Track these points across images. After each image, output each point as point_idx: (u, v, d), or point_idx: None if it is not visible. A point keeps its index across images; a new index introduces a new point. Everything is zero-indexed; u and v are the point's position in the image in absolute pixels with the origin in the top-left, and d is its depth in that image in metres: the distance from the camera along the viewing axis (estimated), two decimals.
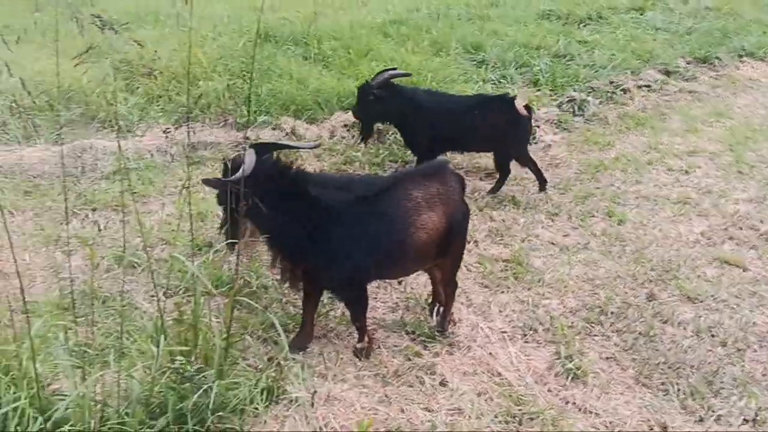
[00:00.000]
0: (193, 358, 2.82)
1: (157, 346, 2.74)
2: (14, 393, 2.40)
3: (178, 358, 2.69)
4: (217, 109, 6.73)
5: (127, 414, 2.54)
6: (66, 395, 2.56)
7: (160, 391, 2.63)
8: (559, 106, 7.89)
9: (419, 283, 4.50)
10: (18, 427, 2.28)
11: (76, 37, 7.96)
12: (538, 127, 7.27)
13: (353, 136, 6.48)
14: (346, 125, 6.61)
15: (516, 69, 8.47)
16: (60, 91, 6.67)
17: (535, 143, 7.05)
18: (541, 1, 12.07)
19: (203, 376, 2.63)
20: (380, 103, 5.61)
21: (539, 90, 8.12)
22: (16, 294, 3.96)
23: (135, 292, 4.06)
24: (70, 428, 2.33)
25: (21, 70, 7.67)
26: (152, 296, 4.03)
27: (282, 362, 3.18)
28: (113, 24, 2.51)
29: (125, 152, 5.91)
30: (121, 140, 6.09)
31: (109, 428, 2.45)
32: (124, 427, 2.47)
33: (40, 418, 2.28)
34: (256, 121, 6.48)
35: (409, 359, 3.73)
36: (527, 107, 5.73)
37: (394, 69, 5.98)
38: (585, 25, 10.65)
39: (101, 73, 7.25)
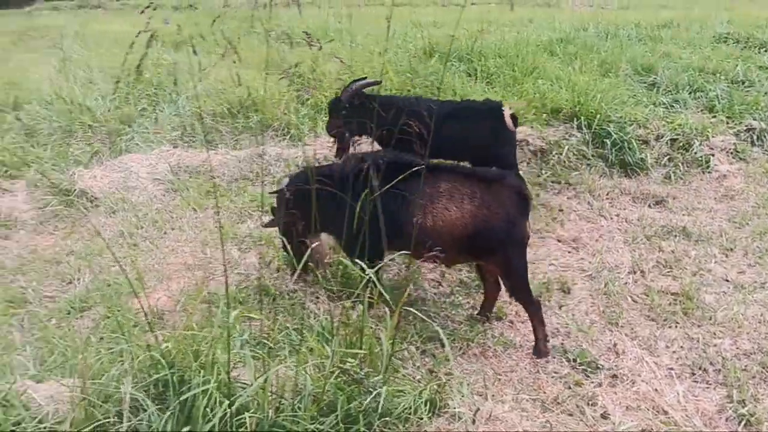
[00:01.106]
0: (358, 361, 2.91)
1: (330, 347, 2.85)
2: (203, 377, 2.59)
3: (349, 360, 2.79)
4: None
5: (298, 408, 2.66)
6: (246, 384, 2.73)
7: (330, 390, 2.73)
8: (736, 134, 7.39)
9: (580, 310, 4.38)
10: (207, 408, 2.46)
11: (254, 49, 8.55)
12: (712, 155, 6.86)
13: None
14: None
15: (690, 93, 8.04)
16: (240, 100, 7.17)
17: (709, 172, 6.65)
18: (717, 24, 11.41)
19: (372, 380, 2.70)
20: (355, 114, 5.12)
21: (714, 117, 7.64)
22: (197, 285, 4.31)
23: (301, 291, 4.24)
24: (250, 415, 2.48)
25: (205, 79, 8.35)
26: (317, 297, 4.21)
27: (443, 376, 3.20)
28: (318, 40, 2.65)
29: (294, 159, 6.22)
30: (292, 148, 6.46)
31: (283, 419, 2.58)
32: (296, 420, 2.59)
33: (226, 402, 2.45)
34: None
35: (570, 387, 3.63)
36: (513, 117, 5.29)
37: (364, 79, 5.37)
38: (766, 50, 9.92)
39: (277, 84, 7.70)
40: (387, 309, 3.66)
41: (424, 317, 3.26)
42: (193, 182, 5.92)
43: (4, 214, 5.24)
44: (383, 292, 2.76)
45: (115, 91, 7.50)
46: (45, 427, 2.47)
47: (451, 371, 3.40)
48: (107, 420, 2.50)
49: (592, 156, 6.63)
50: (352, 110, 5.13)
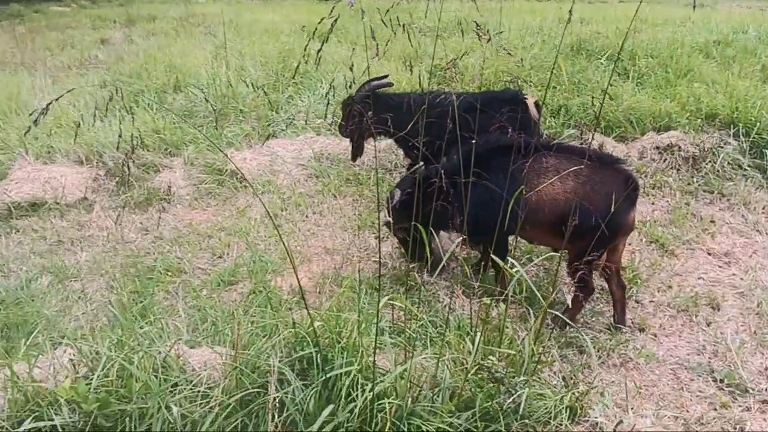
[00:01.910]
0: (498, 360, 2.88)
1: (470, 343, 2.85)
2: (345, 359, 2.66)
3: (490, 358, 2.77)
4: None
5: (436, 400, 2.68)
6: (385, 370, 2.78)
7: (469, 386, 2.73)
8: None
9: (730, 328, 4.11)
10: (351, 390, 2.53)
11: (397, 41, 8.64)
12: None
13: (665, 160, 6.12)
14: (657, 147, 6.26)
15: None
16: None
17: None
18: None
19: (512, 381, 2.67)
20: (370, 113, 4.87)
21: None
22: (335, 270, 4.43)
23: (437, 285, 4.25)
24: (390, 401, 2.52)
25: (344, 69, 8.54)
26: (452, 291, 4.21)
27: (583, 384, 3.11)
28: (487, 31, 2.64)
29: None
30: None
31: (422, 409, 2.60)
32: (433, 412, 2.61)
33: (369, 386, 2.50)
34: (563, 133, 6.42)
35: (715, 409, 3.42)
36: (537, 105, 5.00)
37: (383, 78, 5.16)
38: None
39: (416, 76, 7.75)
40: (528, 309, 3.62)
41: (568, 321, 3.17)
42: (335, 169, 6.08)
43: (164, 189, 5.62)
44: (535, 291, 2.70)
45: (294, 75, 7.85)
46: (198, 391, 2.62)
47: (591, 380, 3.29)
48: (256, 389, 2.62)
49: (749, 166, 6.18)
50: (365, 110, 4.93)
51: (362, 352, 2.67)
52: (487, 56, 8.00)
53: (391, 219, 4.16)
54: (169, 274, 4.39)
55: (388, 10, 2.64)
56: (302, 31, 13.07)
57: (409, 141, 4.88)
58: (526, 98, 4.98)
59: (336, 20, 2.37)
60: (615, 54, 8.30)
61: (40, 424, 2.33)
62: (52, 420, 2.35)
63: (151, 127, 6.45)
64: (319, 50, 2.49)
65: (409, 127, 3.85)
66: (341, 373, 2.60)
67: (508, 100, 4.91)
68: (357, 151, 5.42)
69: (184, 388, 2.60)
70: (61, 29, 14.22)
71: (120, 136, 3.50)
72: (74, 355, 2.86)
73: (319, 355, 2.70)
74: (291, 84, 8.24)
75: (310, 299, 4.06)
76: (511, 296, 3.15)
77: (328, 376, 2.57)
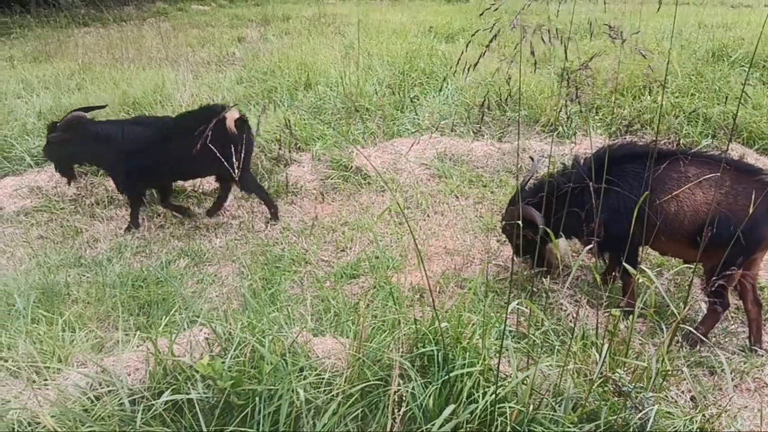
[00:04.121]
0: (625, 373, 2.78)
1: (596, 353, 2.77)
2: (467, 360, 2.66)
3: (617, 370, 2.68)
4: (660, 126, 6.53)
5: (558, 409, 2.62)
6: (506, 374, 2.75)
7: (593, 398, 2.65)
8: None
9: None
10: (473, 390, 2.53)
11: (524, 42, 8.52)
12: None
13: None
14: None
15: None
16: (509, 92, 7.19)
17: None
18: None
19: (640, 396, 2.57)
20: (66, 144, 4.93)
21: None
22: (455, 269, 4.42)
23: (561, 293, 4.16)
24: (511, 405, 2.50)
25: (475, 71, 8.49)
26: (577, 301, 4.11)
27: (714, 407, 2.95)
28: (623, 34, 2.56)
29: (560, 157, 6.09)
30: (558, 145, 6.33)
31: (543, 417, 2.56)
32: (555, 420, 2.56)
33: (492, 388, 2.49)
34: (700, 143, 6.10)
35: None
36: (241, 121, 4.79)
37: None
38: None
39: (547, 79, 7.60)
40: (658, 322, 3.48)
41: (702, 338, 3.02)
42: (457, 170, 6.07)
43: (293, 182, 5.82)
44: (670, 303, 2.59)
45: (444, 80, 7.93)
46: (322, 378, 2.70)
47: (723, 403, 3.11)
48: (376, 382, 2.67)
49: None
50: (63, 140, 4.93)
51: (484, 354, 2.65)
52: (622, 60, 7.73)
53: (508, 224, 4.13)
54: (295, 264, 4.54)
55: (520, 11, 2.60)
56: (429, 32, 13.15)
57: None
58: (225, 114, 4.71)
59: (496, 35, 2.36)
60: (760, 61, 7.81)
61: (177, 396, 2.48)
62: (188, 394, 2.49)
63: (283, 123, 6.70)
64: (475, 64, 2.49)
65: None
66: (463, 374, 2.60)
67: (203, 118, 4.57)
68: (68, 178, 5.42)
69: (310, 374, 2.68)
70: (201, 27, 15.03)
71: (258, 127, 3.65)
72: (209, 334, 3.03)
73: (440, 354, 2.71)
74: (417, 84, 8.31)
75: (429, 298, 4.08)
76: (640, 308, 3.02)
77: (450, 375, 2.57)
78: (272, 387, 2.48)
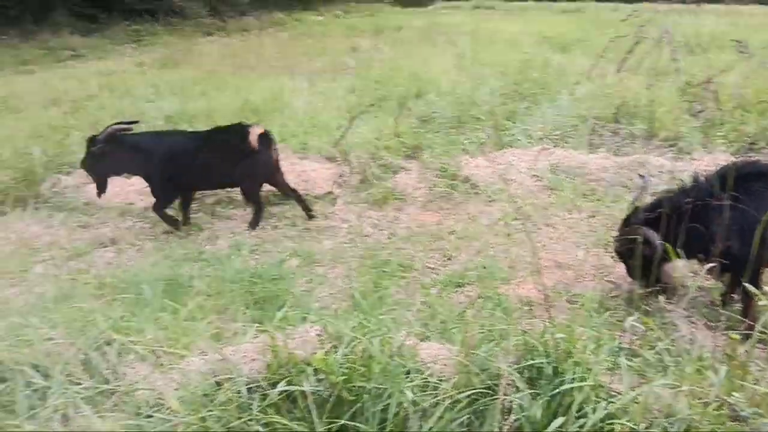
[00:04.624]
0: (743, 398, 2.66)
1: (714, 375, 2.67)
2: (577, 374, 2.63)
3: (734, 394, 2.57)
4: None
5: (669, 430, 2.54)
6: (617, 392, 2.70)
7: (707, 421, 2.55)
8: None
9: None
10: (582, 404, 2.50)
11: (646, 55, 8.28)
12: None
13: None
14: None
15: None
16: (627, 105, 7.01)
17: None
18: None
19: (758, 422, 2.46)
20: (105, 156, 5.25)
21: None
22: (566, 285, 4.36)
23: (675, 313, 4.01)
24: (622, 422, 2.45)
25: (590, 81, 8.33)
26: (692, 322, 3.95)
27: None
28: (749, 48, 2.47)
29: (678, 173, 5.88)
30: (678, 161, 6.11)
31: None
32: None
33: (603, 404, 2.46)
34: None
35: None
36: (264, 137, 5.28)
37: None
38: None
39: (667, 93, 7.35)
40: None
41: None
42: (570, 183, 5.98)
43: (400, 190, 5.92)
44: None
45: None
46: (429, 382, 2.74)
47: None
48: (484, 389, 2.68)
49: None
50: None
51: (595, 369, 2.61)
52: (748, 75, 7.37)
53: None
54: (402, 269, 4.62)
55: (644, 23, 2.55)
56: (543, 42, 12.99)
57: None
58: (249, 130, 5.25)
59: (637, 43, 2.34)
60: None
61: (292, 388, 2.59)
62: (301, 386, 2.60)
63: (392, 131, 6.82)
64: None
65: None
66: (573, 387, 2.57)
67: (228, 132, 5.38)
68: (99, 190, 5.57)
69: (417, 377, 2.73)
70: (317, 37, 15.52)
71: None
72: (320, 331, 3.14)
73: (550, 366, 2.69)
74: (530, 94, 8.25)
75: (537, 311, 4.04)
76: (760, 332, 2.89)
77: (561, 389, 2.55)
78: (381, 386, 2.55)
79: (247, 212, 5.74)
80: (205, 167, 5.28)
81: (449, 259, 4.86)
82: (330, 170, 6.31)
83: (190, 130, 5.76)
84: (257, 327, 3.48)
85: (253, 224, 5.47)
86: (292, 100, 8.14)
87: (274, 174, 5.53)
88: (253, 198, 5.49)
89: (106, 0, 18.15)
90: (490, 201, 5.79)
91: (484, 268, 4.56)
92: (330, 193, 6.04)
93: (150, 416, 2.62)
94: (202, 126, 7.21)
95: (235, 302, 4.03)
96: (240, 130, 5.28)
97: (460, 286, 4.41)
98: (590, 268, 4.59)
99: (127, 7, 18.40)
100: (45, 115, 8.24)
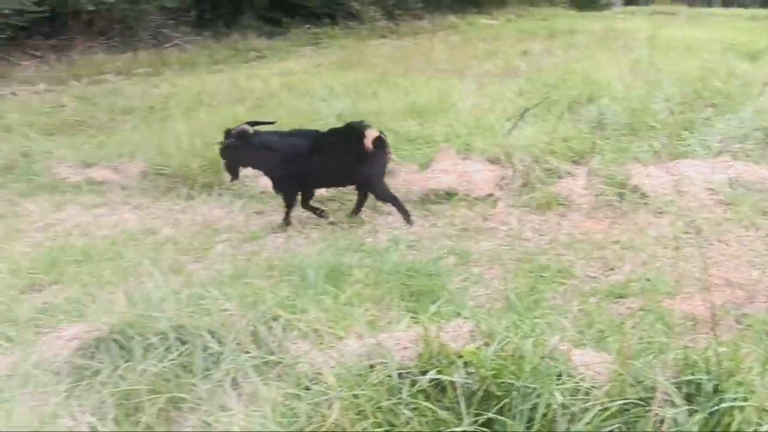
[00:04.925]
0: None
1: None
2: (740, 394, 2.48)
3: None
4: None
5: None
6: None
7: None
8: None
9: None
10: (743, 425, 2.37)
11: None
12: None
13: None
14: None
15: None
16: None
17: None
18: None
19: None
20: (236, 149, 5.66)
21: None
22: (736, 303, 4.09)
23: None
24: None
25: None
26: None
27: None
28: None
29: None
30: None
31: None
32: None
33: (766, 427, 2.31)
34: None
35: None
36: (378, 140, 5.42)
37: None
38: None
39: None
40: None
41: None
42: (749, 198, 5.56)
43: (564, 195, 5.81)
44: None
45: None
46: (580, 388, 2.70)
47: None
48: (638, 401, 2.61)
49: None
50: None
51: (760, 392, 2.45)
52: None
53: None
54: (560, 275, 4.54)
55: None
56: (729, 50, 12.13)
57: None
58: (364, 131, 5.42)
59: None
60: None
61: (442, 377, 2.66)
62: (451, 377, 2.66)
63: (561, 135, 6.70)
64: None
65: None
66: (733, 407, 2.43)
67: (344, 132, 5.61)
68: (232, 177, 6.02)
69: (568, 380, 2.70)
70: (488, 40, 15.52)
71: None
72: (473, 328, 3.19)
73: (710, 384, 2.56)
74: (710, 104, 7.76)
75: (702, 329, 3.82)
76: None
77: (720, 407, 2.43)
78: (531, 385, 2.55)
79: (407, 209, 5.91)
80: (322, 167, 5.55)
81: (611, 269, 4.70)
82: (492, 172, 6.32)
83: (314, 129, 6.04)
84: (411, 318, 3.60)
85: (406, 219, 5.62)
86: (458, 102, 8.22)
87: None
88: (384, 196, 5.67)
89: (290, 5, 19.31)
90: (659, 212, 5.53)
91: (648, 280, 4.38)
92: (491, 195, 6.05)
93: (308, 388, 2.80)
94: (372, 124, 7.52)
95: (390, 293, 4.17)
96: (356, 132, 5.46)
97: (621, 297, 4.26)
98: (764, 289, 4.26)
99: (309, 11, 19.46)
100: (231, 110, 8.93)
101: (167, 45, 16.65)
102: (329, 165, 5.55)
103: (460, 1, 25.03)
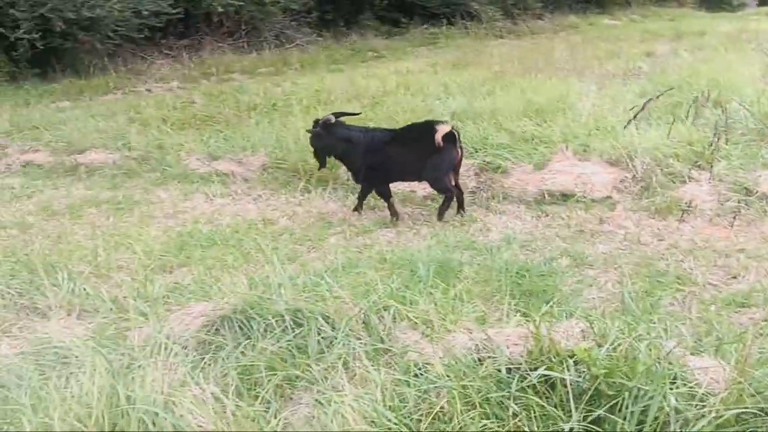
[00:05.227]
0: None
1: None
2: None
3: None
4: None
5: None
6: None
7: None
8: None
9: None
10: None
11: None
12: None
13: None
14: None
15: None
16: None
17: None
18: None
19: None
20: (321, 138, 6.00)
21: None
22: None
23: None
24: None
25: None
26: None
27: None
28: None
29: None
30: None
31: None
32: None
33: None
34: None
35: None
36: (450, 136, 5.53)
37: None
38: None
39: None
40: None
41: None
42: None
43: (687, 200, 5.58)
44: None
45: None
46: (695, 393, 2.61)
47: None
48: (756, 411, 2.50)
49: None
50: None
51: None
52: None
53: None
54: (679, 282, 4.38)
55: None
56: None
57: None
58: (437, 128, 5.55)
59: None
60: None
61: (551, 373, 2.66)
62: (560, 374, 2.65)
63: (684, 138, 6.44)
64: None
65: None
66: None
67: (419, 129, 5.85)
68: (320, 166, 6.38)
69: (682, 385, 2.63)
70: (611, 41, 15.07)
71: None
72: (585, 329, 3.15)
73: None
74: None
75: None
76: None
77: None
78: (643, 387, 2.50)
79: (520, 209, 5.88)
80: (397, 161, 5.79)
81: (734, 277, 4.48)
82: (611, 174, 6.16)
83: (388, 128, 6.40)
84: (520, 317, 3.60)
85: (441, 213, 5.82)
86: (577, 102, 8.05)
87: (455, 170, 5.85)
88: (441, 187, 5.82)
89: (409, 5, 19.52)
90: None
91: None
92: (609, 197, 5.90)
93: (417, 376, 2.87)
94: (486, 124, 7.51)
95: (501, 291, 4.18)
96: (428, 128, 5.62)
97: (743, 307, 4.06)
98: None
99: (428, 11, 19.59)
100: (348, 107, 9.17)
101: (289, 45, 17.25)
102: (403, 159, 5.77)
103: (582, 0, 24.42)
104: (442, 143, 5.52)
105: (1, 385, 3.02)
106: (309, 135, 6.16)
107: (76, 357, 3.11)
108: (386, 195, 5.96)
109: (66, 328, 3.71)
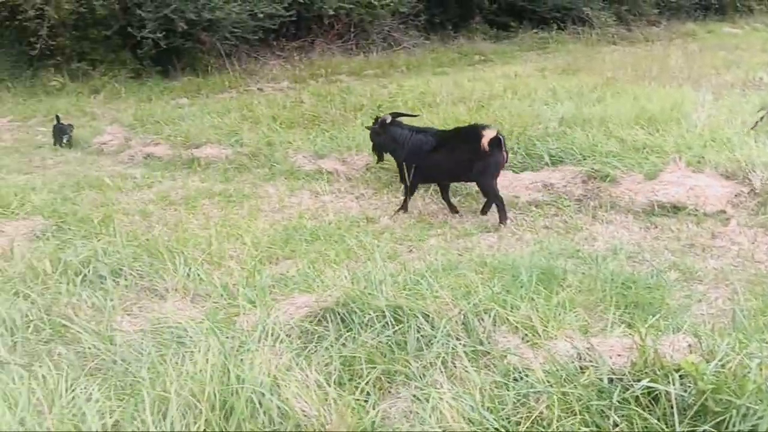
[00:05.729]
0: None
1: None
2: None
3: None
4: None
5: None
6: None
7: None
8: None
9: None
10: None
11: None
12: None
13: None
14: None
15: None
16: None
17: None
18: None
19: None
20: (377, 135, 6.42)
21: None
22: None
23: None
24: None
25: None
26: None
27: None
28: None
29: None
30: None
31: None
32: None
33: None
34: None
35: None
36: (495, 139, 5.61)
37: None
38: None
39: None
40: None
41: None
42: None
43: None
44: None
45: None
46: None
47: None
48: None
49: None
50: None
51: None
52: None
53: None
54: None
55: None
56: None
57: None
58: (483, 132, 5.63)
59: None
60: None
61: (656, 386, 2.59)
62: (665, 387, 2.57)
63: None
64: None
65: None
66: None
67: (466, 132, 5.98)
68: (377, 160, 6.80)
69: None
70: (729, 49, 14.36)
71: None
72: (693, 343, 3.05)
73: None
74: None
75: None
76: None
77: None
78: (753, 405, 2.40)
79: (628, 219, 5.71)
80: (444, 163, 5.97)
81: None
82: (726, 188, 5.88)
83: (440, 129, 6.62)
84: (625, 328, 3.51)
85: (485, 210, 6.13)
86: (691, 112, 7.72)
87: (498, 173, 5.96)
88: (489, 192, 5.94)
89: (519, 9, 19.30)
90: None
91: None
92: (723, 212, 5.63)
93: (516, 380, 2.87)
94: (595, 130, 7.34)
95: (605, 301, 4.08)
96: (475, 133, 5.70)
97: None
98: None
99: (538, 16, 19.30)
100: (453, 110, 9.19)
101: (396, 48, 17.46)
102: (449, 160, 5.94)
103: (701, 7, 23.34)
104: (488, 148, 5.59)
105: (123, 359, 3.25)
106: (368, 131, 6.56)
107: (191, 337, 3.30)
108: (412, 191, 6.25)
109: (181, 309, 3.93)
